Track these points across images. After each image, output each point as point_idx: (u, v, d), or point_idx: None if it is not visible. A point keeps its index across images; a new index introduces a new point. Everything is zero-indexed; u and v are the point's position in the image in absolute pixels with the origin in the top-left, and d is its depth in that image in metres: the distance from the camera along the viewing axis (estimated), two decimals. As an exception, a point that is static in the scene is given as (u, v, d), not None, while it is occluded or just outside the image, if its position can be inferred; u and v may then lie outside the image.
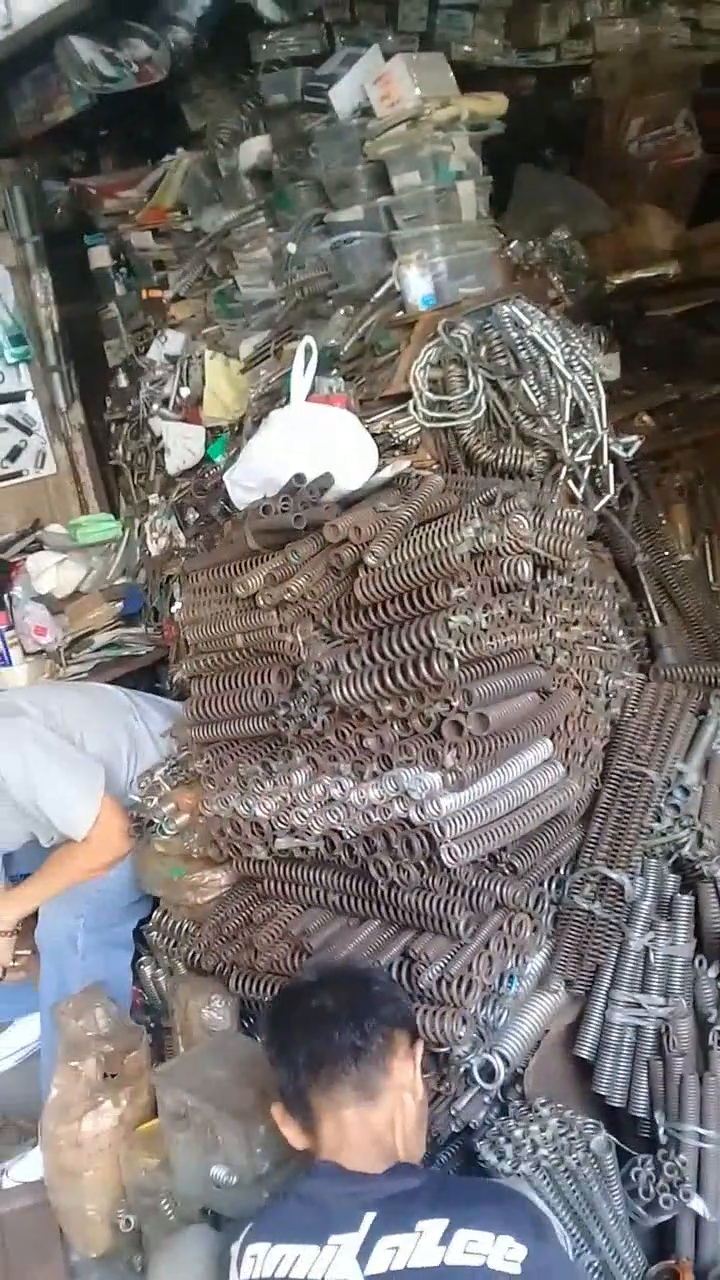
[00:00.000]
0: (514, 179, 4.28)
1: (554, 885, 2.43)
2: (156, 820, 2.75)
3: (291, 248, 3.20)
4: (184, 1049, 2.52)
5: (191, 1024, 2.51)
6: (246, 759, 2.54)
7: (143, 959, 2.93)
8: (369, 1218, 1.57)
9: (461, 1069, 2.22)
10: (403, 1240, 1.53)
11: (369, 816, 2.28)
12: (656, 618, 3.06)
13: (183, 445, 3.75)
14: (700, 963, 2.31)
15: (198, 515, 3.71)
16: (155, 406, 3.87)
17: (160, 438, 3.89)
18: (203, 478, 3.69)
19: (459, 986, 2.16)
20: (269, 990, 2.40)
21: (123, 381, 4.25)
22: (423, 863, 2.23)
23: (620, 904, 2.35)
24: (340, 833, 2.34)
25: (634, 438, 2.96)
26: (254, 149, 3.41)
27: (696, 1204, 2.06)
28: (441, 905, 2.21)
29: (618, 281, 4.11)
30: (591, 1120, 2.13)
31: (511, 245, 3.18)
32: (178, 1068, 2.37)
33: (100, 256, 4.25)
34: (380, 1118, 1.73)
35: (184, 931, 2.73)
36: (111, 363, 4.33)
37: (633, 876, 2.37)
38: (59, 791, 2.77)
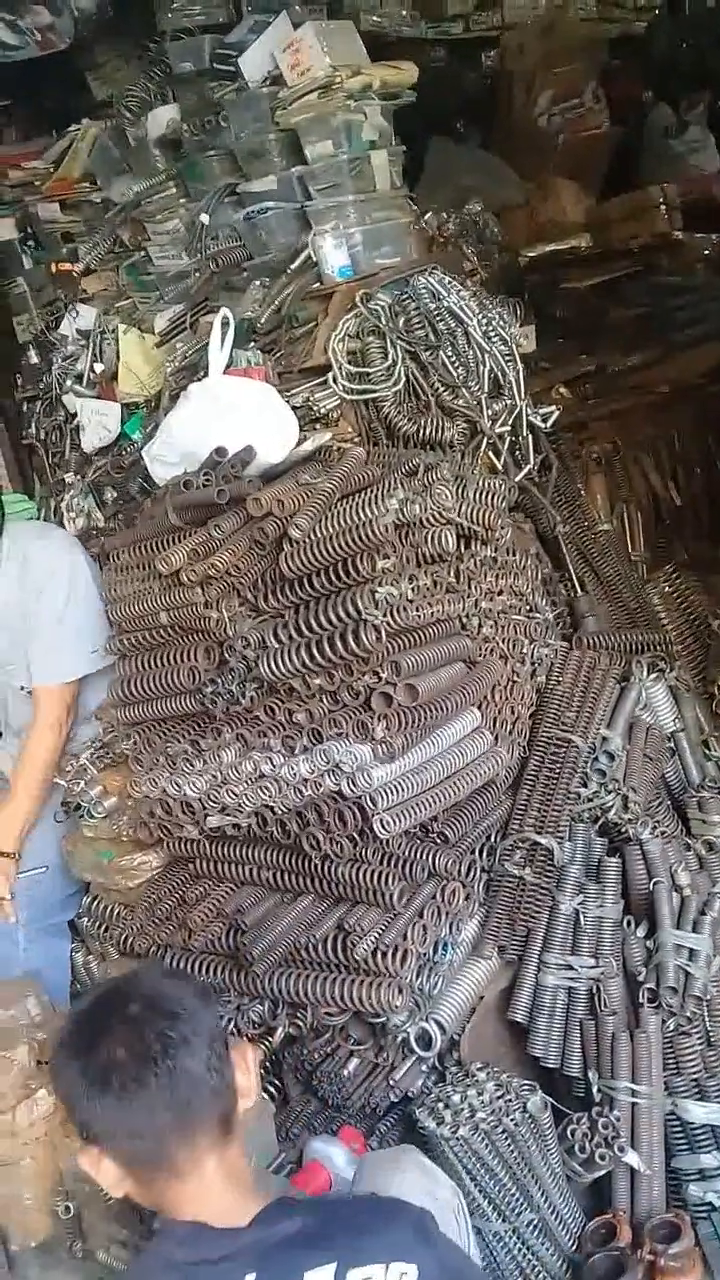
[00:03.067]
0: (426, 152, 4.27)
1: (485, 853, 2.45)
2: (84, 804, 2.71)
3: (204, 219, 3.14)
4: (118, 1033, 2.50)
5: (125, 1007, 2.48)
6: (175, 738, 2.51)
7: (74, 946, 2.89)
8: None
9: (398, 1038, 2.23)
10: None
11: (300, 791, 2.27)
12: (578, 587, 3.09)
13: (98, 422, 3.68)
14: (628, 923, 2.36)
15: (116, 494, 3.65)
16: (68, 383, 3.79)
17: (74, 415, 3.81)
18: (120, 455, 3.63)
19: (394, 956, 2.17)
20: (204, 970, 2.38)
21: (34, 358, 4.14)
22: (355, 835, 2.23)
23: (550, 869, 2.39)
24: (272, 808, 2.33)
25: (551, 409, 2.99)
26: (163, 118, 3.34)
27: (631, 1158, 2.12)
28: (375, 876, 2.22)
29: (531, 254, 4.13)
30: (527, 1082, 2.17)
31: (426, 217, 3.17)
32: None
33: (5, 229, 4.13)
34: (236, 1149, 1.53)
35: (115, 916, 2.70)
36: (21, 339, 4.22)
37: (561, 841, 2.41)
38: (66, 633, 2.79)
